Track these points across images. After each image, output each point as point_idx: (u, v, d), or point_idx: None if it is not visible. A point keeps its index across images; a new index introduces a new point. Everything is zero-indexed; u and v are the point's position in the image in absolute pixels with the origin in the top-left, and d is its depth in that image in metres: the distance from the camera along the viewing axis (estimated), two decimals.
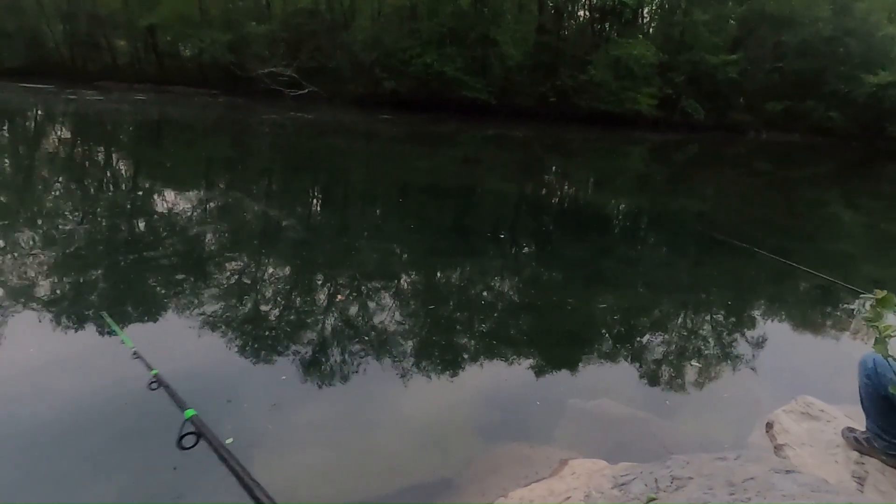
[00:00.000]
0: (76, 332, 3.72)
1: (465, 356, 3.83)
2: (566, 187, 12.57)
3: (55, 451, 2.58)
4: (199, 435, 1.44)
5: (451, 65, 27.22)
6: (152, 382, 1.84)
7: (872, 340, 1.88)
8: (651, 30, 33.86)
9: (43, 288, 4.29)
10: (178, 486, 2.39)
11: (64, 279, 4.54)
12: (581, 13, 34.03)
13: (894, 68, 27.77)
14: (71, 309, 4.01)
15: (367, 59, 28.80)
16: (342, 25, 30.41)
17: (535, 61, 30.04)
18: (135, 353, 2.13)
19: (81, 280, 4.57)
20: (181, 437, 1.44)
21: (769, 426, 2.81)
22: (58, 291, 4.29)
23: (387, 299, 4.77)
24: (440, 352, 3.85)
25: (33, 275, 4.52)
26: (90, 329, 3.74)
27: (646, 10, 33.98)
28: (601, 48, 29.32)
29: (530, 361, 3.79)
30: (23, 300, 4.03)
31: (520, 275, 5.83)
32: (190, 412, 1.51)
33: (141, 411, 2.77)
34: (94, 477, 2.47)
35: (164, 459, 2.45)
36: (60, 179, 8.70)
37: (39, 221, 6.23)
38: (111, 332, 3.31)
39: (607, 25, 31.31)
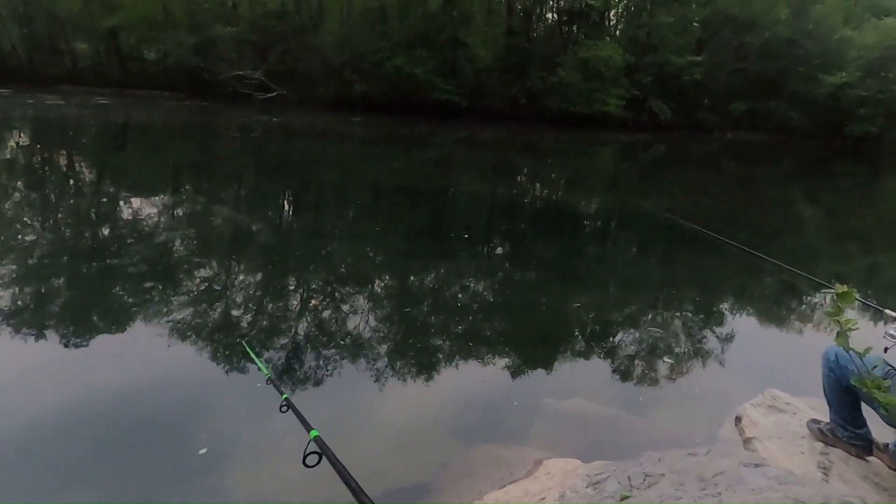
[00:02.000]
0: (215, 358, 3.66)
1: (440, 358, 3.82)
2: (538, 188, 12.67)
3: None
4: (322, 454, 1.51)
5: (421, 67, 27.21)
6: (282, 405, 1.92)
7: (835, 334, 1.94)
8: (618, 32, 34.37)
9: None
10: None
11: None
12: (549, 15, 34.38)
13: (850, 69, 28.74)
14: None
15: (337, 62, 28.60)
16: (311, 28, 30.13)
17: (504, 63, 30.24)
18: (269, 379, 2.19)
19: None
20: (306, 456, 1.52)
21: (738, 420, 2.86)
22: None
23: (360, 302, 4.73)
24: (415, 354, 3.84)
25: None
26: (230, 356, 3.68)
27: (612, 13, 34.50)
28: (570, 50, 29.66)
29: (505, 362, 3.80)
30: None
31: (493, 275, 5.85)
32: (314, 433, 1.59)
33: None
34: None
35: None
36: (19, 186, 8.42)
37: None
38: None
39: (575, 28, 31.69)
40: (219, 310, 4.33)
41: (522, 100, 29.68)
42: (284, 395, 1.95)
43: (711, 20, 31.62)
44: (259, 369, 2.39)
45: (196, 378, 3.39)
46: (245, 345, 3.41)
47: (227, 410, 3.02)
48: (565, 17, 32.08)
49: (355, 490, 1.31)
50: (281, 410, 1.87)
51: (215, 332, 3.92)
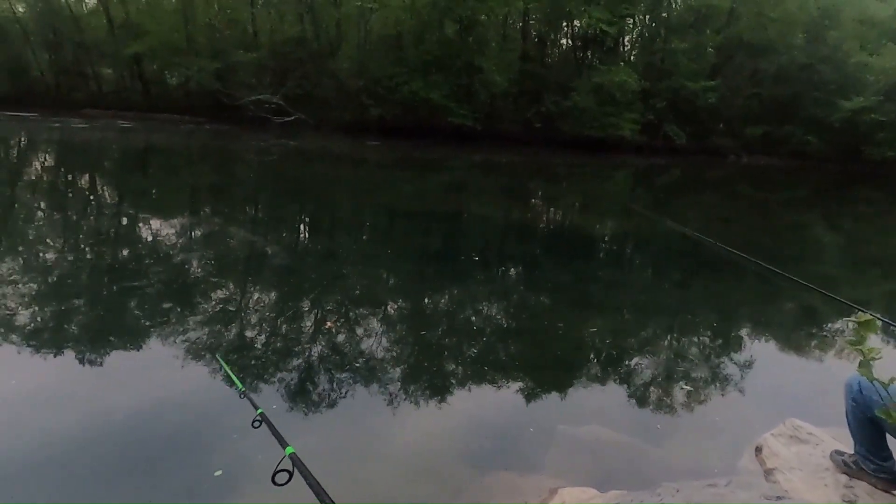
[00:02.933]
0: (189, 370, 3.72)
1: (454, 383, 3.80)
2: (552, 212, 12.67)
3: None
4: (294, 472, 1.51)
5: (437, 91, 27.56)
6: (255, 420, 1.93)
7: (857, 362, 1.90)
8: (632, 57, 34.63)
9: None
10: None
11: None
12: (564, 41, 34.79)
13: (867, 94, 28.58)
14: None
15: (354, 87, 29.07)
16: (329, 53, 30.74)
17: (519, 88, 30.55)
18: (242, 393, 2.21)
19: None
20: (276, 473, 1.52)
21: (758, 450, 2.80)
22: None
23: (373, 325, 4.73)
24: (429, 379, 3.82)
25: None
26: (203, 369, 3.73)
27: (626, 39, 34.82)
28: (584, 75, 29.89)
29: (519, 387, 3.77)
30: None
31: (507, 299, 5.82)
32: (290, 449, 1.58)
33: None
34: None
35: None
36: (43, 207, 8.60)
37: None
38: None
39: (589, 53, 31.99)
40: (233, 330, 4.35)
41: (537, 124, 29.89)
42: (259, 410, 1.94)
43: (726, 46, 31.73)
44: (234, 383, 2.38)
45: (207, 399, 3.39)
46: (219, 358, 3.47)
47: (241, 433, 3.01)
48: (580, 43, 32.43)
49: None
50: (253, 426, 1.86)
51: (229, 352, 3.94)
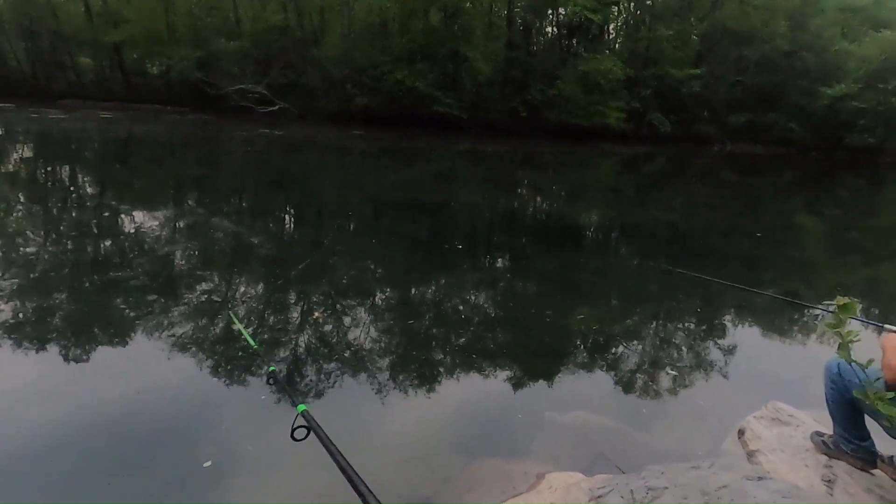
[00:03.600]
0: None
1: (442, 371, 3.81)
2: (539, 200, 12.70)
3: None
4: (309, 428, 1.58)
5: (422, 80, 27.41)
6: (269, 378, 2.03)
7: (837, 346, 1.94)
8: (617, 45, 34.68)
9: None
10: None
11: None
12: (549, 29, 34.73)
13: (849, 81, 28.91)
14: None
15: (339, 76, 28.82)
16: (313, 42, 30.41)
17: (505, 77, 30.48)
18: (255, 351, 2.28)
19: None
20: (294, 430, 1.61)
21: (741, 433, 2.85)
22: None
23: (360, 315, 4.73)
24: (416, 368, 3.83)
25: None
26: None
27: (612, 27, 34.84)
28: (569, 63, 29.88)
29: (506, 375, 3.79)
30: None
31: (494, 288, 5.84)
32: (301, 407, 1.64)
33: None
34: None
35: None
36: (21, 200, 8.45)
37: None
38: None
39: (575, 41, 31.96)
40: (219, 321, 4.33)
41: (523, 112, 29.88)
42: (271, 368, 2.00)
43: (710, 33, 31.89)
44: (247, 340, 2.45)
45: (200, 388, 3.38)
46: (231, 315, 3.56)
47: (235, 422, 3.00)
48: (565, 31, 32.38)
49: (343, 466, 1.32)
50: (269, 383, 1.92)
51: (217, 343, 3.92)
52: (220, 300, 4.85)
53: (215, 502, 2.47)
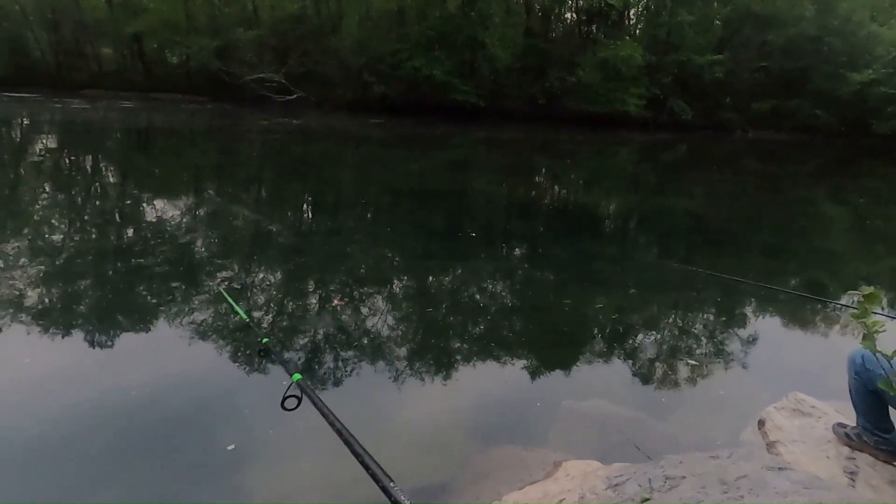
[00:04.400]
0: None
1: (459, 359, 3.83)
2: (557, 188, 12.61)
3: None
4: (303, 397, 1.59)
5: (439, 68, 27.27)
6: (261, 350, 2.09)
7: (861, 336, 1.90)
8: (637, 31, 34.09)
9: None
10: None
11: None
12: (568, 15, 34.26)
13: (878, 66, 28.10)
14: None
15: (356, 64, 28.80)
16: (330, 30, 30.39)
17: (523, 64, 30.18)
18: (248, 324, 2.34)
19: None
20: (285, 399, 1.59)
21: (761, 423, 2.82)
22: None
23: (378, 302, 4.76)
24: (434, 355, 3.85)
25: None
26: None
27: (632, 12, 34.24)
28: (588, 50, 29.48)
29: (524, 363, 3.80)
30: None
31: (512, 276, 5.83)
32: (297, 376, 1.65)
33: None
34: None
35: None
36: (46, 188, 8.62)
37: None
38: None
39: (594, 27, 31.51)
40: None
41: (541, 100, 29.61)
42: (265, 339, 2.03)
43: (733, 18, 31.20)
44: (237, 313, 2.48)
45: (218, 376, 3.43)
46: (223, 292, 4.00)
47: (253, 408, 3.05)
48: (584, 17, 31.92)
49: (340, 431, 1.32)
50: (260, 355, 1.95)
51: (236, 330, 3.97)
52: (238, 287, 4.91)
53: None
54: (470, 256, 6.34)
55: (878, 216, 11.07)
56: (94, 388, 3.22)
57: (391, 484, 1.18)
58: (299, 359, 3.63)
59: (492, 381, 3.60)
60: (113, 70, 33.67)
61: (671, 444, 2.85)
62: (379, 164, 13.99)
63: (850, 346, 3.71)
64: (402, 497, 1.10)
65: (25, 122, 18.42)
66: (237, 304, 3.46)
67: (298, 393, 1.57)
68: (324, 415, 1.41)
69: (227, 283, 4.96)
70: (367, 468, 1.27)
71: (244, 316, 2.35)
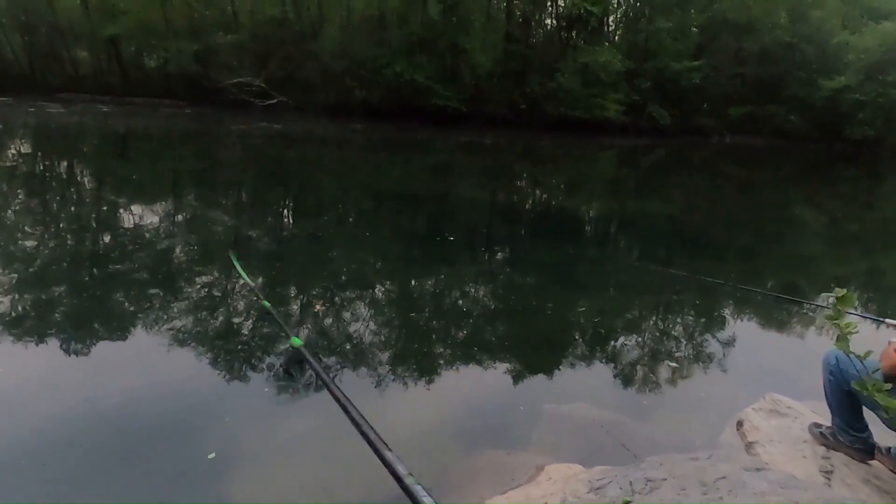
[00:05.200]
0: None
1: (442, 363, 3.82)
2: (538, 193, 12.69)
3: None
4: (302, 361, 1.61)
5: (421, 73, 27.30)
6: (267, 313, 2.12)
7: (835, 337, 1.94)
8: (617, 37, 34.55)
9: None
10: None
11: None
12: (548, 21, 34.57)
13: (848, 73, 28.82)
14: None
15: (337, 69, 28.70)
16: (311, 35, 30.24)
17: (504, 69, 30.35)
18: (252, 288, 2.38)
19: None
20: (287, 362, 1.61)
21: (739, 424, 2.86)
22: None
23: (362, 308, 4.73)
24: (416, 360, 3.84)
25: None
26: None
27: (611, 19, 34.68)
28: (568, 56, 29.77)
29: (506, 367, 3.80)
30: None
31: (494, 281, 5.85)
32: (296, 340, 1.65)
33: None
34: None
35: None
36: (20, 194, 8.44)
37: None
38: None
39: (574, 33, 31.82)
40: (219, 316, 4.33)
41: (522, 105, 29.80)
42: (265, 302, 2.02)
43: (710, 25, 31.78)
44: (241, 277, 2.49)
45: (202, 384, 3.38)
46: (232, 258, 3.86)
47: (236, 413, 3.01)
48: (564, 23, 32.22)
49: (337, 395, 1.33)
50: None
51: (217, 338, 3.92)
52: (218, 294, 4.85)
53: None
54: (452, 261, 6.35)
55: (851, 219, 11.32)
56: (72, 396, 3.15)
57: (389, 453, 1.18)
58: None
59: (474, 385, 3.60)
60: (89, 73, 33.08)
61: (652, 445, 2.88)
62: (360, 169, 13.95)
63: (825, 346, 3.78)
64: (401, 468, 1.10)
65: None
66: (243, 270, 3.47)
67: (299, 358, 1.60)
68: (322, 380, 1.44)
69: (205, 288, 4.89)
70: (365, 436, 1.28)
71: (249, 280, 2.40)
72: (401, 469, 1.07)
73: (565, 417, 3.22)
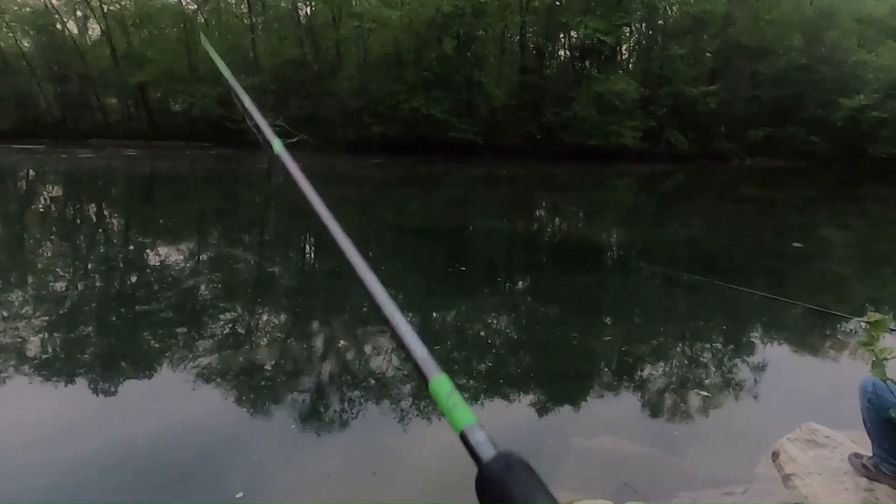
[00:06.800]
0: None
1: (466, 397, 3.69)
2: (557, 222, 12.67)
3: None
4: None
5: (437, 108, 27.76)
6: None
7: (871, 364, 1.88)
8: (630, 65, 34.81)
9: None
10: None
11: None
12: (562, 52, 35.04)
13: (868, 91, 28.52)
14: None
15: (355, 106, 29.33)
16: (329, 74, 31.07)
17: (519, 101, 30.71)
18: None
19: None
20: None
21: (775, 455, 2.76)
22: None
23: (385, 342, 4.73)
24: None
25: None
26: None
27: (624, 47, 35.02)
28: (583, 85, 30.04)
29: (531, 400, 3.75)
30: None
31: (517, 312, 5.81)
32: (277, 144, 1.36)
33: None
34: None
35: None
36: (52, 238, 8.68)
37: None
38: None
39: (588, 63, 32.18)
40: (244, 353, 4.36)
41: (538, 135, 30.01)
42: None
43: (724, 49, 31.86)
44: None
45: (228, 422, 3.39)
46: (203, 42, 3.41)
47: (266, 451, 3.01)
48: (577, 54, 32.64)
49: (310, 198, 1.08)
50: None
51: (242, 375, 3.94)
52: (243, 331, 4.89)
53: None
54: (474, 293, 6.33)
55: (879, 239, 11.06)
56: (99, 436, 3.18)
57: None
58: (300, 390, 3.59)
59: (500, 419, 3.54)
60: (118, 119, 34.36)
61: (684, 479, 2.79)
62: (380, 203, 14.11)
63: (863, 370, 3.67)
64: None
65: (31, 173, 18.70)
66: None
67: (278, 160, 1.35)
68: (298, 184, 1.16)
69: (229, 325, 4.94)
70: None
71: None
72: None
73: (594, 451, 3.15)
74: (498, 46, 32.57)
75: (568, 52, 34.08)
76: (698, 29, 31.89)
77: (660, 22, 32.90)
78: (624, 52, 35.32)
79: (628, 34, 34.22)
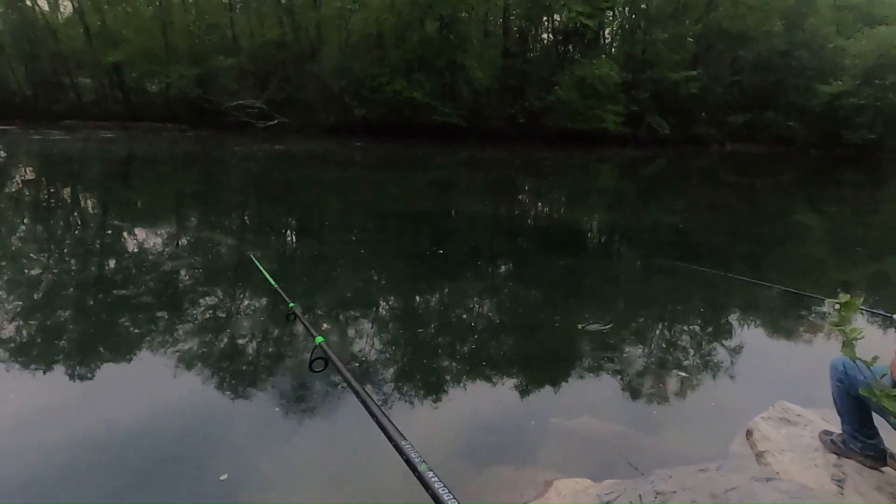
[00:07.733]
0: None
1: (448, 379, 3.80)
2: (540, 206, 12.71)
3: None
4: (327, 359, 1.67)
5: (420, 90, 27.55)
6: (289, 314, 2.16)
7: (842, 343, 1.93)
8: (613, 49, 34.84)
9: None
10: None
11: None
12: (545, 36, 34.95)
13: (846, 78, 28.95)
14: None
15: (337, 88, 28.98)
16: (310, 55, 30.60)
17: (502, 84, 30.63)
18: (276, 290, 2.49)
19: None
20: (312, 361, 1.74)
21: (749, 434, 2.83)
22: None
23: (367, 327, 4.73)
24: (422, 377, 3.82)
25: None
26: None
27: (607, 31, 35.03)
28: (566, 69, 30.01)
29: (513, 382, 3.78)
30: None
31: (500, 295, 5.84)
32: (319, 339, 1.74)
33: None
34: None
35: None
36: (25, 221, 8.50)
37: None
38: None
39: (571, 47, 32.14)
40: (226, 336, 4.33)
41: (521, 119, 30.01)
42: (291, 304, 2.10)
43: (705, 35, 32.03)
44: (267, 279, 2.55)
45: (212, 405, 3.38)
46: (253, 259, 4.18)
47: (250, 434, 3.00)
48: (561, 37, 32.57)
49: (358, 392, 1.37)
50: (288, 319, 2.06)
51: (225, 359, 3.92)
52: (223, 314, 4.85)
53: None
54: (457, 276, 6.34)
55: (854, 223, 11.29)
56: (82, 420, 3.15)
57: (404, 442, 1.19)
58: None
59: (480, 401, 3.58)
60: (92, 100, 33.53)
61: (661, 458, 2.85)
62: (362, 187, 14.01)
63: (835, 351, 3.77)
64: (415, 455, 1.10)
65: (2, 154, 18.21)
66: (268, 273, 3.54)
67: (322, 355, 1.66)
68: (345, 378, 1.49)
69: (210, 309, 4.90)
70: (384, 429, 1.30)
71: (272, 281, 2.51)
72: (414, 457, 1.08)
73: (573, 431, 3.20)
74: (481, 29, 32.36)
75: (551, 36, 34.00)
76: (681, 13, 32.02)
77: (643, 6, 32.91)
78: (607, 36, 35.35)
79: (611, 18, 34.21)
